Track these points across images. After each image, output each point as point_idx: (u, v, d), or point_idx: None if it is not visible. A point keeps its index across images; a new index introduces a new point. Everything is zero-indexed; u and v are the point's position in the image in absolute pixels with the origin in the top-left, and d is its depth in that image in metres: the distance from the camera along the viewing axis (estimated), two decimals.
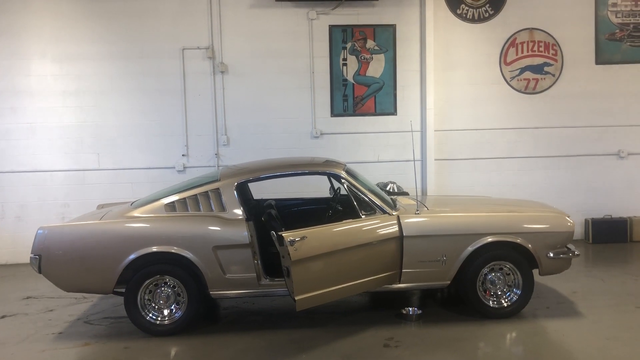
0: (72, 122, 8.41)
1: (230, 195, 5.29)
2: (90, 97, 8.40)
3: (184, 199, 5.31)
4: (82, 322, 5.65)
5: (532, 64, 8.87)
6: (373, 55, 8.70)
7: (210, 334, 5.25)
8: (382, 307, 5.95)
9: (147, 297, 5.19)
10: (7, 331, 5.46)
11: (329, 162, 5.84)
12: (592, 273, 7.07)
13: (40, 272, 5.12)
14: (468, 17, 8.76)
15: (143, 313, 5.17)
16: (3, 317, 5.91)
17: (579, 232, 8.89)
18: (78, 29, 8.32)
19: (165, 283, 5.20)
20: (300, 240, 4.63)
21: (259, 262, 5.20)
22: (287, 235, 4.62)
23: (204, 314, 5.73)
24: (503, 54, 8.84)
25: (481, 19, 8.78)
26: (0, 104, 8.31)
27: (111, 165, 8.49)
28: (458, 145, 8.88)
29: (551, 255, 5.34)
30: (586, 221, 8.91)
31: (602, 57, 8.92)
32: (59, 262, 5.11)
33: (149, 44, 8.41)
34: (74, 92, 8.37)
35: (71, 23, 8.31)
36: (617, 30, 8.90)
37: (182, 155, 8.55)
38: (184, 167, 8.53)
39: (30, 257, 5.14)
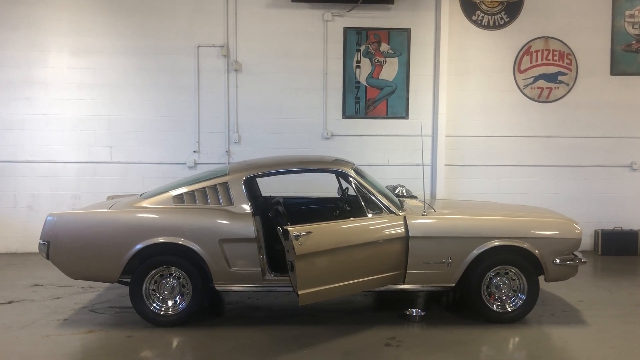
0: (86, 115, 8.51)
1: (239, 190, 5.32)
2: (104, 90, 8.50)
3: (193, 191, 5.35)
4: (87, 310, 5.70)
5: (546, 72, 8.84)
6: (387, 59, 8.72)
7: (213, 326, 5.27)
8: (385, 307, 5.95)
9: (152, 288, 5.22)
10: (13, 316, 5.53)
11: (338, 161, 5.86)
12: (600, 284, 7.01)
13: (48, 258, 5.18)
14: (483, 23, 8.76)
15: (147, 303, 5.20)
16: (10, 302, 5.98)
17: (588, 243, 8.82)
18: (96, 23, 8.43)
19: (171, 274, 5.23)
20: (306, 235, 4.65)
21: (264, 257, 5.22)
22: (293, 229, 4.64)
23: (208, 307, 5.76)
24: (517, 62, 8.82)
25: (496, 26, 8.77)
26: (16, 94, 8.42)
27: (123, 158, 8.57)
28: (469, 151, 8.86)
29: (558, 261, 5.30)
30: (596, 232, 8.84)
31: (618, 68, 8.87)
32: (67, 249, 5.16)
33: (165, 40, 8.49)
34: (89, 85, 8.48)
35: (89, 17, 8.42)
36: (634, 42, 8.85)
37: (194, 151, 8.61)
38: (195, 164, 8.59)
39: (39, 243, 5.19)
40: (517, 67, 8.84)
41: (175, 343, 4.93)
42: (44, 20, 8.36)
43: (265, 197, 6.56)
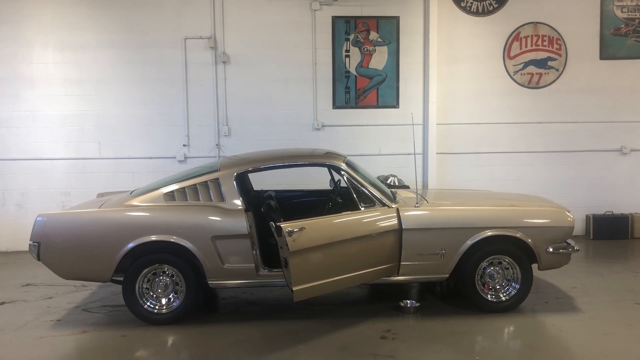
0: (73, 111, 8.40)
1: (230, 186, 5.27)
2: (91, 86, 8.39)
3: (183, 188, 5.30)
4: (80, 310, 5.66)
5: (535, 58, 8.82)
6: (376, 47, 8.66)
7: (208, 323, 5.25)
8: (380, 299, 5.96)
9: (145, 286, 5.19)
10: (6, 318, 5.48)
11: (329, 154, 5.82)
12: (592, 269, 7.05)
13: (39, 259, 5.12)
14: (472, 10, 8.70)
15: (141, 302, 5.17)
16: (2, 303, 5.93)
17: (580, 228, 8.86)
18: (80, 17, 8.30)
19: (164, 272, 5.20)
20: (299, 231, 4.62)
21: (258, 252, 5.19)
22: (286, 226, 4.61)
23: (203, 303, 5.74)
24: (507, 48, 8.79)
25: (485, 12, 8.72)
26: (2, 91, 8.31)
27: (112, 154, 8.49)
28: (460, 139, 8.85)
29: (551, 250, 5.31)
30: (587, 217, 8.89)
31: (607, 52, 8.86)
32: (58, 249, 5.11)
33: (151, 33, 8.38)
34: (75, 81, 8.36)
35: (73, 11, 8.28)
36: (623, 25, 8.84)
37: (183, 145, 8.54)
38: (185, 157, 8.52)
39: (29, 244, 5.14)
40: (507, 53, 8.81)
41: (170, 341, 4.91)
42: (27, 15, 8.22)
43: (257, 191, 6.52)
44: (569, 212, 5.55)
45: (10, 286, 6.56)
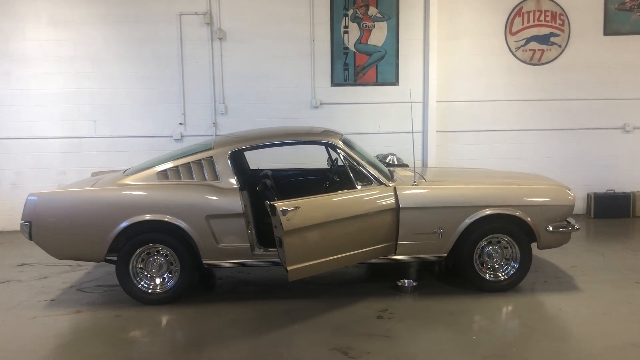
0: (67, 89, 8.27)
1: (224, 164, 5.18)
2: (85, 63, 8.24)
3: (177, 167, 5.21)
4: (75, 290, 5.62)
5: (538, 34, 8.64)
6: (375, 23, 8.48)
7: (204, 303, 5.20)
8: (377, 279, 5.90)
9: (139, 266, 5.13)
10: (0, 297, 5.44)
11: (326, 132, 5.71)
12: (593, 248, 6.99)
13: (30, 238, 5.06)
14: None
15: (135, 281, 5.11)
16: None
17: (581, 206, 8.76)
18: None
19: (158, 252, 5.13)
20: (293, 210, 4.54)
21: (253, 231, 5.13)
22: (280, 204, 4.52)
23: (199, 283, 5.68)
24: (508, 24, 8.61)
25: None
26: None
27: (107, 133, 8.38)
28: (460, 116, 8.72)
29: (550, 228, 5.23)
30: (588, 195, 8.80)
31: (611, 27, 8.67)
32: (50, 229, 5.04)
33: (145, 8, 8.20)
34: (69, 58, 8.21)
35: None
36: (627, 0, 8.63)
37: (180, 123, 8.42)
38: (181, 136, 8.41)
39: (21, 224, 5.07)
40: (509, 29, 8.63)
41: (164, 321, 4.86)
42: None
43: (254, 170, 6.44)
44: (569, 190, 5.45)
45: (5, 266, 6.52)
